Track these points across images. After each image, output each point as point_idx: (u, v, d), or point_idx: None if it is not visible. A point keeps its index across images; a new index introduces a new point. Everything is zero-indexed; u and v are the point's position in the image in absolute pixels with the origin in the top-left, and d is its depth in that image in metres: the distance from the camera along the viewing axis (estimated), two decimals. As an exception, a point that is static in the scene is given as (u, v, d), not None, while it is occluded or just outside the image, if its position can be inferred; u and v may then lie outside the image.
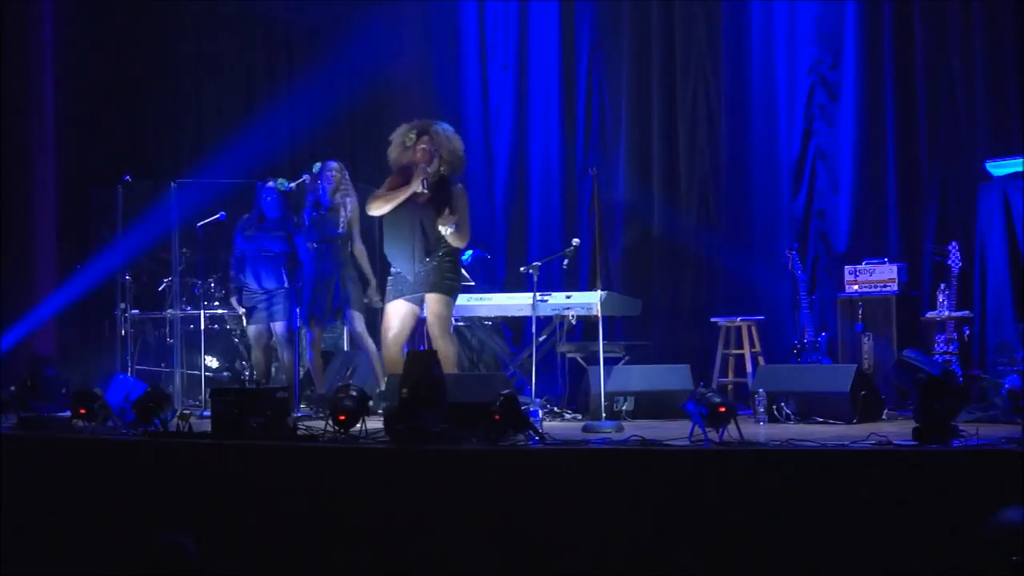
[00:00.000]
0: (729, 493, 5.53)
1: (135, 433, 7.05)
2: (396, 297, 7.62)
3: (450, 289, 7.76)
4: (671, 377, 8.25)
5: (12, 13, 10.69)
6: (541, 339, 8.62)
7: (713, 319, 9.36)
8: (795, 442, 6.01)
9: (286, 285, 8.66)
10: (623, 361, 8.43)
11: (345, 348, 9.51)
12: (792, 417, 7.49)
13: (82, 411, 7.46)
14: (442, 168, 7.59)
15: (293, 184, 8.99)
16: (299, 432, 6.82)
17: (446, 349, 7.54)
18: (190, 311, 9.76)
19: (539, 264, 8.12)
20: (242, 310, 8.85)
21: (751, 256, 9.65)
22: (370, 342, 8.37)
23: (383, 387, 7.70)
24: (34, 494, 6.83)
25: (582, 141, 10.44)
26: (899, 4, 9.19)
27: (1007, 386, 6.88)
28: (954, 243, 8.26)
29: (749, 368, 9.00)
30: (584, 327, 9.20)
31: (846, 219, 9.37)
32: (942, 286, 8.25)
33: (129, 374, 9.28)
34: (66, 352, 10.50)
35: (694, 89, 9.98)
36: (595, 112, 10.40)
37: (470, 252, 9.63)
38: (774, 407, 7.55)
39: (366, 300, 8.47)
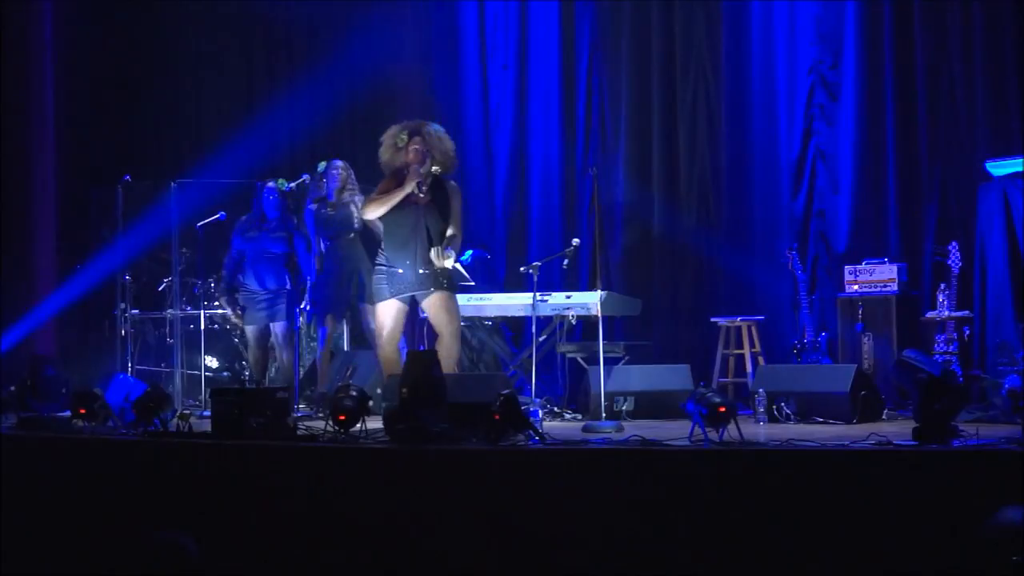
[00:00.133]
0: (729, 493, 5.52)
1: (135, 433, 7.05)
2: (392, 295, 7.59)
3: (453, 287, 7.77)
4: (671, 377, 8.25)
5: (12, 13, 10.69)
6: (541, 339, 8.62)
7: (713, 319, 9.36)
8: (795, 442, 6.00)
9: (287, 286, 8.67)
10: (623, 361, 8.43)
11: (345, 348, 9.50)
12: (792, 417, 7.49)
13: (82, 411, 7.46)
14: (435, 169, 7.58)
15: (293, 184, 9.00)
16: (299, 432, 6.82)
17: (456, 347, 7.54)
18: (190, 311, 9.76)
19: (539, 264, 8.11)
20: (235, 317, 8.85)
21: (751, 256, 9.65)
22: None
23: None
24: (34, 494, 6.83)
25: (582, 141, 10.44)
26: (899, 4, 9.19)
27: (1007, 386, 6.87)
28: (954, 243, 8.25)
29: (749, 368, 9.00)
30: (584, 327, 9.19)
31: (846, 219, 9.37)
32: (942, 286, 8.25)
33: (129, 374, 9.28)
34: (66, 352, 10.51)
35: (694, 89, 9.97)
36: (595, 112, 10.40)
37: (470, 252, 9.63)
38: (774, 407, 7.55)
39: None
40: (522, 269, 8.40)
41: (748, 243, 9.73)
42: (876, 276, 8.76)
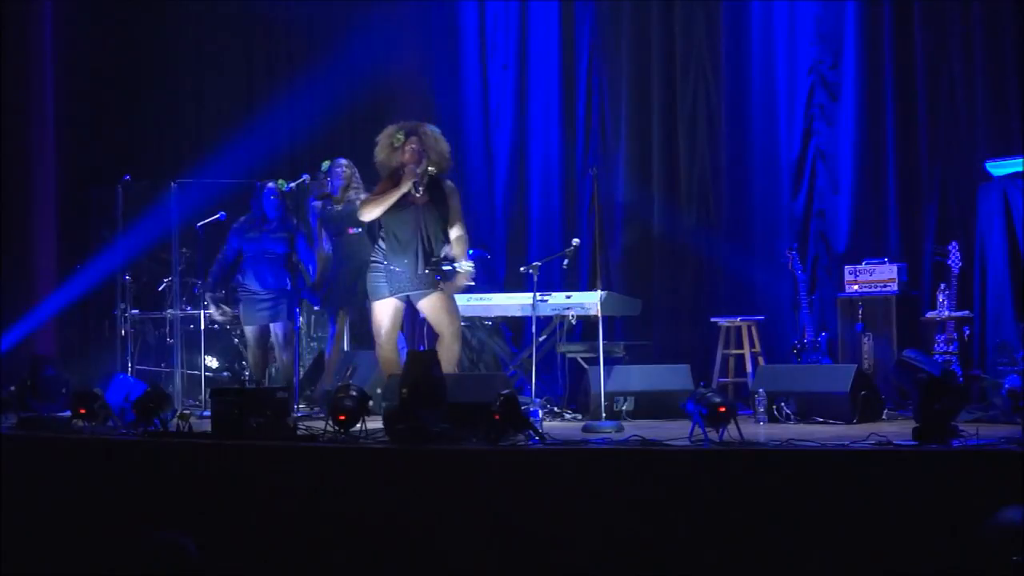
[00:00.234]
0: (729, 493, 5.52)
1: (135, 433, 7.05)
2: (391, 294, 7.58)
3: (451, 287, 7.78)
4: (671, 377, 8.25)
5: (12, 13, 10.69)
6: (541, 339, 8.62)
7: (713, 319, 9.36)
8: (795, 442, 6.01)
9: (287, 286, 8.68)
10: (623, 361, 8.43)
11: (345, 348, 9.50)
12: (792, 417, 7.49)
13: (82, 411, 7.46)
14: (431, 169, 7.58)
15: (293, 184, 9.00)
16: (299, 432, 6.82)
17: (456, 347, 7.53)
18: (190, 311, 9.76)
19: (539, 264, 8.11)
20: (219, 315, 8.86)
21: (751, 256, 9.65)
22: None
23: None
24: (34, 494, 6.83)
25: (582, 141, 10.44)
26: (899, 4, 9.19)
27: (1007, 386, 6.87)
28: (954, 243, 8.25)
29: (749, 368, 9.00)
30: (584, 327, 9.19)
31: (846, 219, 9.37)
32: (942, 286, 8.25)
33: (129, 374, 9.28)
34: (66, 352, 10.51)
35: (694, 89, 9.97)
36: (595, 112, 10.40)
37: (470, 252, 9.63)
38: (774, 407, 7.55)
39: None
40: (522, 269, 8.40)
41: (748, 243, 9.72)
42: (876, 276, 8.76)
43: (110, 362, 9.79)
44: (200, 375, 9.46)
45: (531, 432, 6.25)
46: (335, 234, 8.57)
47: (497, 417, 6.15)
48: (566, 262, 8.31)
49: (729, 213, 9.83)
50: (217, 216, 9.27)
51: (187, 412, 7.33)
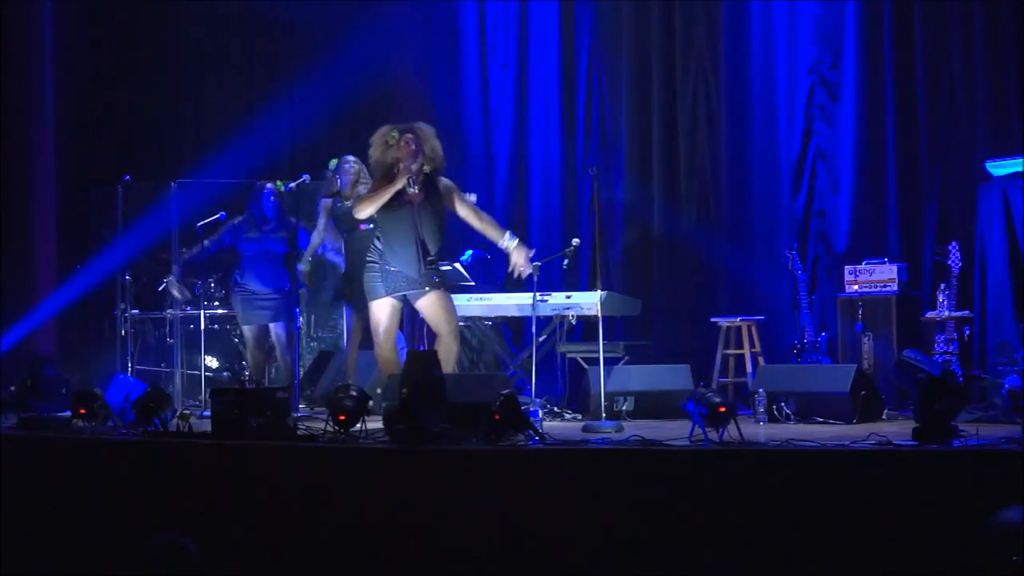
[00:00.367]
0: (729, 493, 5.52)
1: (135, 433, 7.05)
2: (387, 293, 7.58)
3: (447, 285, 7.77)
4: (671, 377, 8.25)
5: (12, 13, 10.69)
6: (541, 339, 8.62)
7: (713, 319, 9.36)
8: (795, 442, 6.00)
9: (287, 286, 8.68)
10: (623, 361, 8.43)
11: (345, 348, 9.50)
12: (792, 417, 7.49)
13: (82, 411, 7.45)
14: (425, 167, 7.58)
15: (293, 184, 9.00)
16: (299, 432, 6.82)
17: (455, 345, 7.53)
18: (190, 311, 9.76)
19: (539, 264, 8.11)
20: (178, 292, 8.88)
21: (751, 256, 9.66)
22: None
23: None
24: (34, 494, 6.83)
25: (582, 141, 10.44)
26: (899, 4, 9.19)
27: (1007, 386, 6.87)
28: (954, 243, 8.26)
29: (749, 368, 9.00)
30: (584, 327, 9.19)
31: (846, 219, 9.37)
32: (942, 286, 8.25)
33: (129, 374, 9.28)
34: (66, 352, 10.50)
35: (694, 89, 9.98)
36: (595, 112, 10.40)
37: (470, 252, 9.64)
38: (774, 407, 7.54)
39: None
40: (522, 269, 8.41)
41: (748, 243, 9.73)
42: (876, 276, 8.76)
43: (110, 362, 9.79)
44: (200, 375, 9.46)
45: (531, 432, 6.25)
46: (347, 230, 8.55)
47: (497, 417, 6.15)
48: (566, 262, 8.32)
49: (729, 213, 9.84)
50: (217, 216, 9.27)
51: (187, 412, 7.32)
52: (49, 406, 8.33)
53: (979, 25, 8.83)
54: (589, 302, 8.33)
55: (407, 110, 9.58)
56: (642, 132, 10.18)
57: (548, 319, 8.81)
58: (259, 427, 6.64)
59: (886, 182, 9.22)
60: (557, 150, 10.55)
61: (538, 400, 7.86)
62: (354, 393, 6.78)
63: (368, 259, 7.68)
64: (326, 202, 8.81)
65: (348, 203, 8.66)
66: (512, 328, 9.88)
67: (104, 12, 11.19)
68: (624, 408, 7.85)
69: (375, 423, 6.84)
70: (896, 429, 6.46)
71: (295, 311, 8.76)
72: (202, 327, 9.37)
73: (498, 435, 6.16)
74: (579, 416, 8.10)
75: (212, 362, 10.12)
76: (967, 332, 8.15)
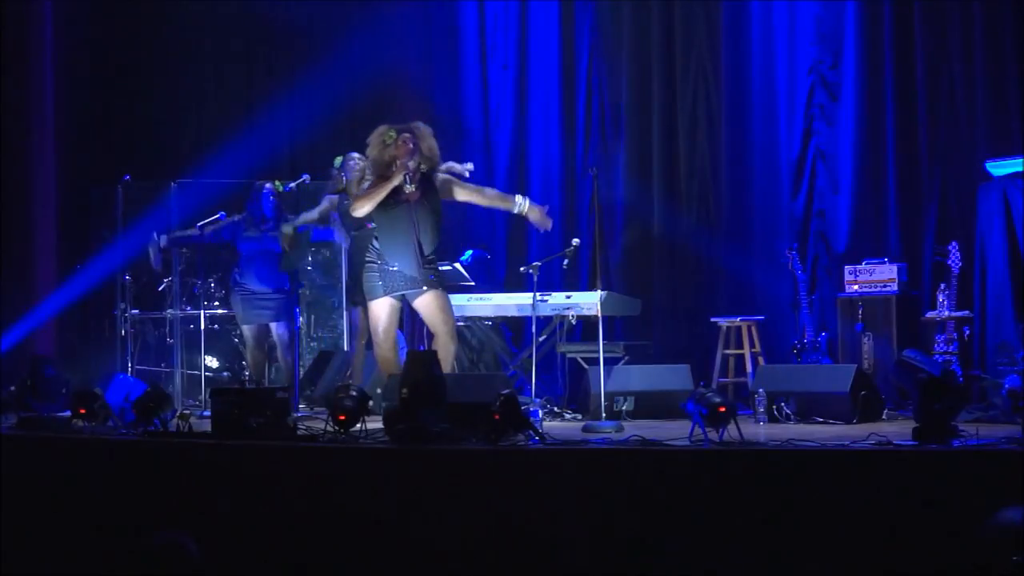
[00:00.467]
0: (729, 493, 5.52)
1: (135, 433, 7.05)
2: (386, 293, 7.57)
3: (445, 285, 7.78)
4: (671, 377, 8.25)
5: (12, 13, 10.69)
6: (541, 339, 8.62)
7: (713, 319, 9.36)
8: (795, 442, 6.01)
9: (286, 286, 8.68)
10: (623, 361, 8.43)
11: (345, 347, 9.51)
12: (792, 417, 7.49)
13: (82, 411, 7.45)
14: (422, 165, 7.58)
15: (293, 184, 9.01)
16: (299, 432, 6.82)
17: (452, 344, 7.53)
18: (190, 311, 9.76)
19: (539, 264, 8.12)
20: (152, 256, 8.86)
21: (751, 256, 9.66)
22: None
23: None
24: (34, 494, 6.82)
25: (582, 141, 10.44)
26: (899, 4, 9.19)
27: (1007, 386, 6.87)
28: (954, 243, 8.26)
29: (749, 368, 9.00)
30: (584, 327, 9.19)
31: (846, 219, 9.37)
32: (942, 286, 8.25)
33: (129, 374, 9.28)
34: (66, 352, 10.50)
35: (694, 89, 9.98)
36: (595, 112, 10.40)
37: (470, 252, 9.64)
38: (774, 407, 7.54)
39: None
40: (522, 269, 8.41)
41: (748, 243, 9.73)
42: (876, 276, 8.76)
43: (110, 362, 9.80)
44: (200, 375, 9.46)
45: (531, 432, 6.25)
46: (354, 228, 8.54)
47: (497, 417, 6.15)
48: (566, 262, 8.32)
49: (729, 213, 9.84)
50: (217, 216, 9.27)
51: (187, 412, 7.32)
52: (49, 406, 8.32)
53: (979, 25, 8.83)
54: (589, 302, 8.33)
55: (407, 110, 9.58)
56: (642, 132, 10.18)
57: (548, 319, 8.82)
58: (259, 427, 6.64)
59: (886, 182, 9.22)
60: (557, 150, 10.55)
61: (538, 400, 7.86)
62: (354, 393, 6.78)
63: (367, 259, 7.68)
64: (332, 197, 8.81)
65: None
66: (512, 328, 9.88)
67: (104, 12, 11.19)
68: (624, 408, 7.85)
69: (375, 423, 6.84)
70: (896, 429, 6.46)
71: (295, 311, 8.75)
72: (202, 327, 9.37)
73: (498, 435, 6.16)
74: (579, 416, 8.10)
75: (212, 362, 10.12)
76: (967, 332, 8.15)
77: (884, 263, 8.79)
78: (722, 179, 9.87)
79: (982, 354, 8.13)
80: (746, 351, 9.11)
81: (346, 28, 10.84)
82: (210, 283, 9.76)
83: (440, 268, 7.79)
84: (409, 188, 7.52)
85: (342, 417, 6.64)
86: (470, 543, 5.80)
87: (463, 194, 7.74)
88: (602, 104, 10.37)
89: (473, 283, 9.24)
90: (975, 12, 8.85)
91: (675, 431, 6.45)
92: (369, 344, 8.37)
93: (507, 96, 10.78)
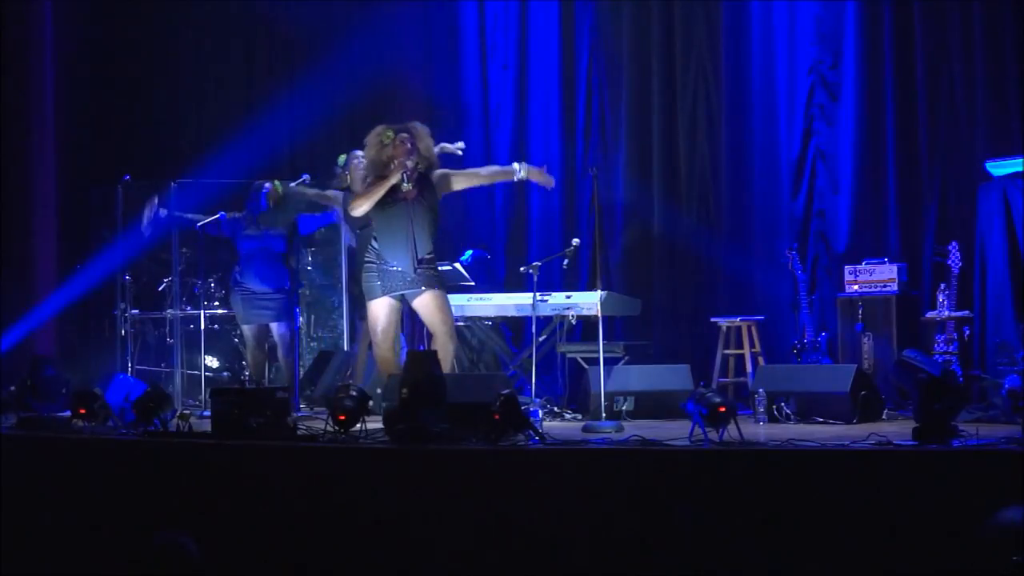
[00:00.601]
0: (729, 493, 5.52)
1: (135, 433, 7.05)
2: (384, 293, 7.57)
3: (444, 285, 7.78)
4: (671, 377, 8.25)
5: (12, 13, 10.69)
6: (541, 339, 8.62)
7: (713, 319, 9.36)
8: (795, 442, 6.01)
9: (287, 285, 8.68)
10: (623, 361, 8.43)
11: (345, 347, 9.51)
12: (792, 417, 7.49)
13: (82, 411, 7.45)
14: (420, 165, 7.58)
15: (294, 184, 9.00)
16: (299, 432, 6.82)
17: (451, 344, 7.53)
18: (190, 311, 9.76)
19: (539, 264, 8.12)
20: (146, 217, 8.85)
21: (751, 256, 9.65)
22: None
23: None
24: (34, 494, 6.83)
25: (582, 141, 10.44)
26: (899, 4, 9.19)
27: (1007, 386, 6.87)
28: (954, 243, 8.26)
29: (749, 368, 9.00)
30: (584, 327, 9.19)
31: (846, 219, 9.37)
32: (942, 286, 8.25)
33: (129, 374, 9.28)
34: (66, 352, 10.51)
35: (694, 89, 9.97)
36: (595, 112, 10.40)
37: (470, 252, 9.64)
38: (774, 407, 7.54)
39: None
40: (522, 269, 8.41)
41: (748, 243, 9.73)
42: (876, 276, 8.76)
43: (110, 362, 9.79)
44: (200, 375, 9.46)
45: (531, 432, 6.25)
46: (359, 226, 8.53)
47: (497, 417, 6.15)
48: (566, 262, 8.32)
49: (729, 213, 9.83)
50: (217, 216, 9.27)
51: (187, 412, 7.33)
52: (49, 406, 8.32)
53: (979, 25, 8.83)
54: (589, 302, 8.33)
55: (407, 110, 9.58)
56: (642, 132, 10.18)
57: (548, 319, 8.82)
58: (259, 427, 6.64)
59: (886, 182, 9.22)
60: (557, 150, 10.54)
61: (538, 400, 7.86)
62: (354, 393, 6.78)
63: (366, 259, 7.68)
64: (336, 193, 8.80)
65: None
66: (512, 328, 9.88)
67: (104, 12, 11.19)
68: (624, 408, 7.85)
69: (375, 423, 6.84)
70: (896, 429, 6.46)
71: (295, 311, 8.75)
72: (202, 327, 9.37)
73: (498, 435, 6.16)
74: (579, 416, 8.10)
75: (212, 362, 10.12)
76: (967, 332, 8.15)
77: (884, 263, 8.79)
78: (722, 179, 9.87)
79: (982, 354, 8.13)
80: (746, 351, 9.10)
81: (346, 28, 10.84)
82: (210, 283, 9.76)
83: (440, 268, 7.79)
84: (406, 187, 7.52)
85: (342, 417, 6.64)
86: (470, 543, 5.80)
87: (462, 181, 7.75)
88: (602, 104, 10.37)
89: (473, 283, 9.24)
90: (975, 12, 8.84)
91: (675, 431, 6.45)
92: (370, 344, 8.38)
93: (507, 96, 10.77)
